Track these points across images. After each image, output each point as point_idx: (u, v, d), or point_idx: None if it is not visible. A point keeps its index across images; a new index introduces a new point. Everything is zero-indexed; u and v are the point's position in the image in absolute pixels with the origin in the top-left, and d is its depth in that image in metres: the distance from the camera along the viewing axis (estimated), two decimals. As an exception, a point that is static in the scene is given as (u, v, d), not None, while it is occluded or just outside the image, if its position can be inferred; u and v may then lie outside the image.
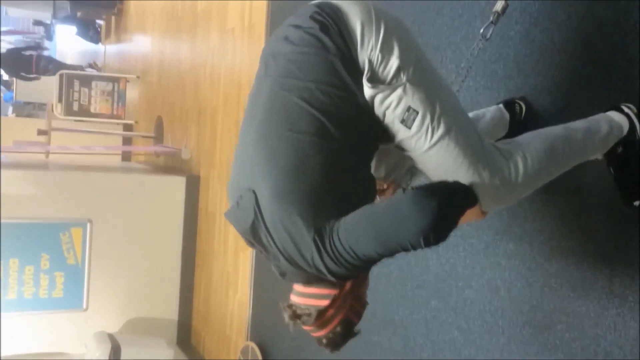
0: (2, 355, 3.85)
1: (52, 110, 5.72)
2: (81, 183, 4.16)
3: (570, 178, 1.65)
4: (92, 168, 4.91)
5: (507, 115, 1.81)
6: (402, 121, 1.28)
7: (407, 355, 2.30)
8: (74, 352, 4.05)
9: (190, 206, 4.47)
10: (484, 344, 1.96)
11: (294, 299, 1.33)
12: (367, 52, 1.26)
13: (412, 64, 1.27)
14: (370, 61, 1.26)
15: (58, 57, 12.73)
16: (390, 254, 1.21)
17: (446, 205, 1.16)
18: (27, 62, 8.50)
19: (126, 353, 3.67)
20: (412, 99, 1.27)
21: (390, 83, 1.26)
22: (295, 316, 1.30)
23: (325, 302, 1.28)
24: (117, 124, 6.65)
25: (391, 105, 1.27)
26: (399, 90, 1.26)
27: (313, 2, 1.35)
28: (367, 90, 1.27)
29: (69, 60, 12.37)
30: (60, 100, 6.02)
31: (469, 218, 1.32)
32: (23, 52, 8.92)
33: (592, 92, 1.65)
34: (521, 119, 1.82)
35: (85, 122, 6.20)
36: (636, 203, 1.54)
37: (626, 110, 1.56)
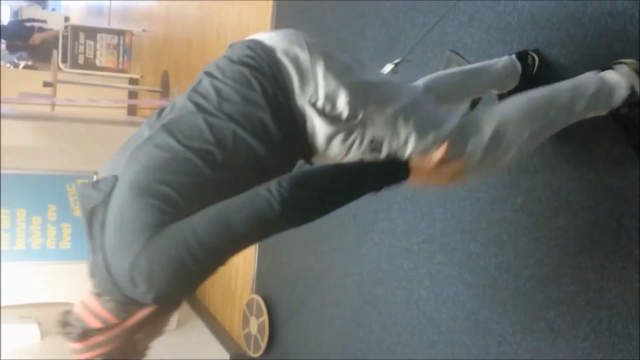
0: (10, 303, 3.91)
1: (57, 63, 5.67)
2: (87, 135, 4.16)
3: (581, 133, 1.64)
4: (98, 121, 4.90)
5: (519, 66, 1.77)
6: (372, 151, 1.27)
7: (410, 307, 2.32)
8: (82, 302, 4.11)
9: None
10: (488, 297, 1.97)
11: (76, 307, 1.19)
12: (307, 97, 1.22)
13: (364, 100, 1.24)
14: (314, 105, 1.22)
15: (63, 11, 12.55)
16: (236, 241, 1.10)
17: (307, 186, 1.11)
18: (28, 32, 8.33)
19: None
20: (374, 130, 1.25)
21: (347, 121, 1.23)
22: (63, 324, 1.16)
23: (97, 324, 1.14)
24: (123, 78, 6.60)
25: (355, 143, 1.26)
26: (358, 129, 1.25)
27: (245, 41, 1.31)
28: (326, 129, 1.23)
29: (74, 15, 12.22)
30: (65, 53, 5.98)
31: (426, 178, 1.28)
32: (25, 24, 8.78)
33: (607, 44, 1.62)
34: (533, 72, 1.78)
35: (90, 75, 6.16)
36: None
37: (620, 68, 1.51)
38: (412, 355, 2.32)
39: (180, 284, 1.09)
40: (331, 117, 1.22)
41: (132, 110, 7.15)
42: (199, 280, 1.13)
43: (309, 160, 1.32)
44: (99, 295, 1.16)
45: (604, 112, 1.53)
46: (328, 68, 1.22)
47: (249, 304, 3.68)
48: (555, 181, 1.76)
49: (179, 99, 1.27)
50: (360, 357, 2.63)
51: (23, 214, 3.85)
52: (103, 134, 4.28)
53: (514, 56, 1.79)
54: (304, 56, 1.23)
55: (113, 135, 4.31)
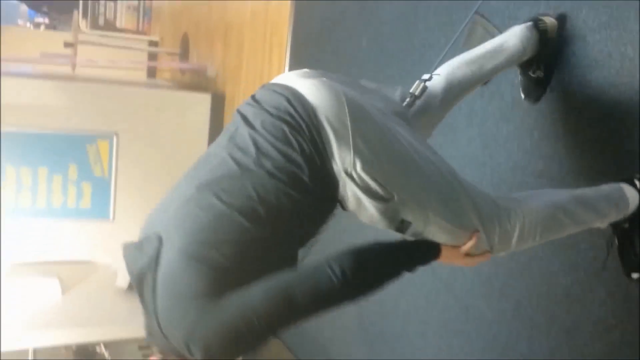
0: (32, 259, 3.99)
1: (78, 23, 5.67)
2: (108, 96, 4.18)
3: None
4: (117, 82, 4.91)
5: (535, 34, 1.73)
6: (397, 229, 1.28)
7: (426, 272, 2.32)
8: (102, 260, 4.19)
9: (215, 124, 4.48)
10: (504, 262, 1.97)
11: None
12: (343, 166, 1.19)
13: (399, 180, 1.24)
14: (350, 175, 1.20)
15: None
16: (297, 317, 1.16)
17: (360, 267, 1.17)
18: None
19: (151, 263, 3.77)
20: (404, 213, 1.25)
21: (378, 199, 1.22)
22: None
23: None
24: (143, 40, 6.59)
25: (383, 219, 1.26)
26: (391, 207, 1.24)
27: (283, 90, 1.25)
28: (354, 199, 1.23)
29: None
30: (85, 14, 5.97)
31: (454, 261, 1.37)
32: None
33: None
34: (554, 35, 1.74)
35: (110, 37, 6.15)
36: (634, 275, 1.57)
37: (639, 185, 1.56)
38: (427, 319, 2.34)
39: (236, 354, 1.15)
40: (364, 190, 1.22)
41: (151, 72, 7.16)
42: (254, 348, 1.17)
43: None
44: (164, 354, 1.22)
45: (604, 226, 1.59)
46: (366, 141, 1.20)
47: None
48: (578, 147, 1.74)
49: (216, 149, 1.28)
50: (377, 320, 2.66)
51: (44, 172, 3.90)
52: (123, 95, 4.30)
53: (529, 23, 1.74)
54: (344, 124, 1.20)
55: (132, 96, 4.33)
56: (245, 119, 1.26)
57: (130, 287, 3.71)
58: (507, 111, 1.97)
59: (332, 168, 1.20)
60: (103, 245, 4.16)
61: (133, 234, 4.14)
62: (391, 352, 2.56)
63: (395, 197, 1.23)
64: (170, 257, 1.14)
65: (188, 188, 1.23)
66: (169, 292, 1.13)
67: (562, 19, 1.74)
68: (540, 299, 1.85)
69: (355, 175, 1.20)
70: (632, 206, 1.55)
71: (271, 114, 1.21)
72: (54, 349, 6.14)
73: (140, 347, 5.13)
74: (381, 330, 2.61)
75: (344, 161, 1.19)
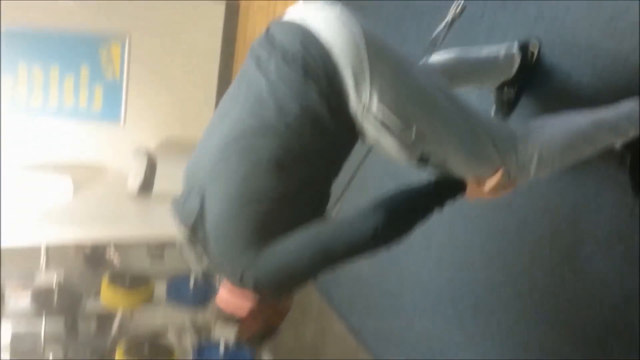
0: (44, 158, 4.03)
1: None
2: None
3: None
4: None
5: (518, 54, 1.81)
6: (418, 161, 1.31)
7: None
8: (112, 163, 4.23)
9: (228, 33, 4.40)
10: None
11: (222, 294, 1.39)
12: (360, 100, 1.21)
13: (416, 112, 1.25)
14: (368, 110, 1.22)
15: None
16: (335, 264, 1.28)
17: (392, 215, 1.24)
18: None
19: (162, 168, 3.81)
20: (423, 146, 1.28)
21: (397, 134, 1.25)
22: (221, 316, 1.39)
23: (243, 313, 1.36)
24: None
25: (403, 152, 1.29)
26: (410, 141, 1.26)
27: (297, 30, 1.24)
28: (373, 133, 1.26)
29: None
30: None
31: (480, 196, 1.42)
32: None
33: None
34: (532, 62, 1.82)
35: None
36: None
37: None
38: (433, 231, 2.37)
39: (284, 291, 1.37)
40: (384, 125, 1.23)
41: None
42: (296, 288, 1.36)
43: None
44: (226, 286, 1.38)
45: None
46: (384, 75, 1.21)
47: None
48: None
49: (238, 96, 1.31)
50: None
51: (56, 71, 3.88)
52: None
53: (515, 43, 1.82)
54: (360, 59, 1.20)
55: (146, 1, 4.23)
56: (259, 63, 1.27)
57: (140, 190, 3.77)
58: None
59: (350, 107, 1.22)
60: (114, 148, 4.19)
61: (143, 140, 4.19)
62: (395, 263, 2.61)
63: (414, 130, 1.25)
64: (213, 211, 1.28)
65: (218, 142, 1.29)
66: (218, 241, 1.29)
67: (540, 44, 1.82)
68: (546, 215, 1.86)
69: (373, 109, 1.22)
70: None
71: (286, 60, 1.22)
72: (65, 253, 6.33)
73: (150, 254, 5.27)
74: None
75: (361, 97, 1.21)
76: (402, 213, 1.28)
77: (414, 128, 1.25)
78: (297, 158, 1.24)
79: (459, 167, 1.35)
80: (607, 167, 1.66)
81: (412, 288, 2.50)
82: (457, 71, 1.72)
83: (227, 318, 1.37)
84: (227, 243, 1.29)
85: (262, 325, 1.39)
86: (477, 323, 2.15)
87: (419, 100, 1.27)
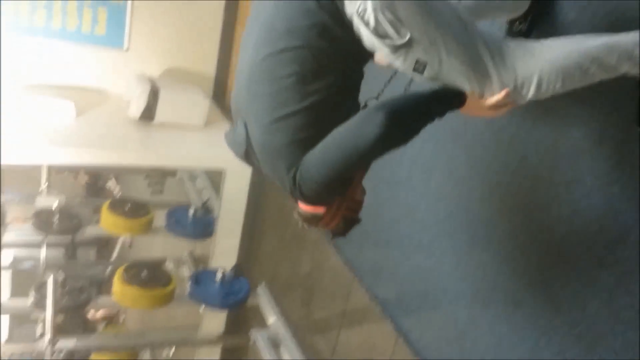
0: (47, 80, 4.01)
1: None
2: None
3: None
4: None
5: None
6: (414, 70, 1.32)
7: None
8: (114, 89, 4.20)
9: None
10: (518, 112, 1.97)
11: (300, 205, 1.53)
12: (355, 7, 1.25)
13: (411, 17, 1.25)
14: (361, 16, 1.25)
15: None
16: (358, 166, 1.40)
17: (395, 115, 1.27)
18: None
19: (164, 96, 3.78)
20: (418, 52, 1.29)
21: (392, 39, 1.26)
22: (304, 220, 1.53)
23: (321, 210, 1.49)
24: None
25: (399, 59, 1.31)
26: (405, 47, 1.27)
27: None
28: (369, 40, 1.30)
29: None
30: None
31: (480, 113, 1.43)
32: None
33: None
34: None
35: None
36: None
37: None
38: (433, 166, 2.38)
39: (334, 195, 1.47)
40: (376, 32, 1.26)
41: None
42: (341, 187, 1.46)
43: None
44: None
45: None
46: None
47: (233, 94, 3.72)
48: None
49: (259, 17, 1.41)
50: (383, 163, 2.70)
51: (60, -9, 3.81)
52: None
53: None
54: None
55: None
56: None
57: (142, 116, 3.76)
58: None
59: (347, 12, 1.28)
60: (117, 74, 4.15)
61: (146, 67, 4.14)
62: (393, 197, 2.63)
63: (408, 35, 1.26)
64: (255, 135, 1.44)
65: (246, 70, 1.43)
66: (266, 161, 1.46)
67: None
68: (547, 152, 1.86)
69: (366, 15, 1.25)
70: None
71: None
72: (66, 178, 6.35)
73: (149, 183, 5.30)
74: (385, 175, 2.66)
75: (355, 2, 1.25)
76: (407, 116, 1.31)
77: (408, 34, 1.27)
78: (316, 70, 1.33)
79: (456, 79, 1.35)
80: (616, 96, 1.63)
81: (410, 222, 2.53)
82: (469, 5, 1.69)
83: (309, 219, 1.52)
84: (273, 160, 1.43)
85: (342, 219, 1.52)
86: (472, 256, 2.18)
87: (414, 5, 1.27)
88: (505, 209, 2.04)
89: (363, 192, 1.59)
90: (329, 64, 1.34)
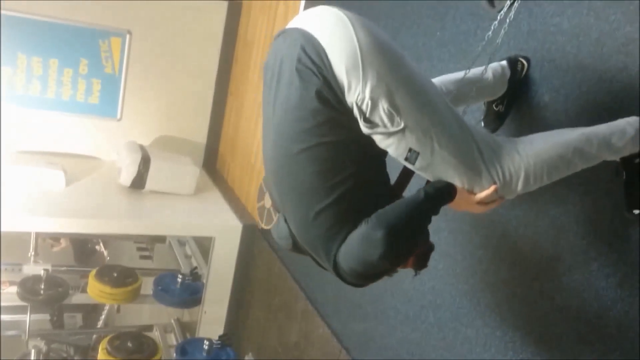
0: (38, 149, 4.05)
1: None
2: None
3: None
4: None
5: (508, 72, 1.85)
6: (406, 159, 1.36)
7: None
8: (106, 157, 4.25)
9: (229, 32, 4.44)
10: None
11: None
12: (354, 97, 1.27)
13: (406, 107, 1.29)
14: (359, 107, 1.28)
15: None
16: (379, 271, 1.42)
17: (391, 233, 1.29)
18: None
19: (155, 165, 3.83)
20: (411, 141, 1.33)
21: (386, 127, 1.30)
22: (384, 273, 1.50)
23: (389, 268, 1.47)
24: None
25: (392, 146, 1.34)
26: (398, 135, 1.31)
27: (298, 36, 1.32)
28: (364, 129, 1.31)
29: None
30: None
31: (468, 208, 1.46)
32: None
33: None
34: (521, 78, 1.87)
35: None
36: (636, 211, 1.56)
37: None
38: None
39: (370, 282, 1.48)
40: (372, 118, 1.30)
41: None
42: (377, 275, 1.46)
43: None
44: None
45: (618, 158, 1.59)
46: (376, 71, 1.27)
47: (266, 180, 3.78)
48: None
49: (268, 114, 1.42)
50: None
51: (55, 64, 3.91)
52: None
53: (504, 62, 1.86)
54: (355, 56, 1.26)
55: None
56: (271, 81, 1.39)
57: (133, 184, 3.79)
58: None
59: (347, 102, 1.30)
60: (109, 142, 4.22)
61: (138, 136, 4.21)
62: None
63: (402, 124, 1.30)
64: (295, 232, 1.47)
65: (271, 166, 1.46)
66: (313, 252, 1.47)
67: (528, 62, 1.87)
68: (527, 228, 1.90)
69: (364, 105, 1.28)
70: None
71: (289, 70, 1.32)
72: (54, 244, 6.31)
73: (138, 248, 5.28)
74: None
75: (355, 92, 1.27)
76: (401, 225, 1.33)
77: (402, 122, 1.30)
78: (335, 163, 1.34)
79: (447, 171, 1.38)
80: (597, 180, 1.68)
81: (396, 294, 2.53)
82: (453, 90, 1.75)
83: (391, 271, 1.48)
84: (316, 253, 1.46)
85: (415, 257, 1.48)
86: (457, 330, 2.18)
87: (409, 97, 1.30)
88: (488, 284, 2.06)
89: (427, 245, 1.57)
90: (346, 154, 1.35)
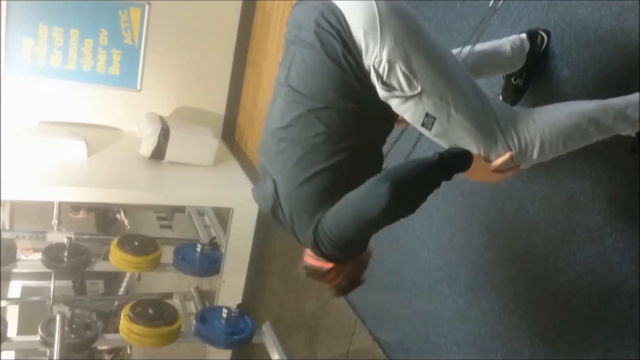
0: (60, 119, 4.11)
1: None
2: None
3: None
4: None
5: (527, 45, 1.83)
6: (423, 124, 1.37)
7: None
8: (127, 128, 4.30)
9: (248, 2, 4.42)
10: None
11: (307, 258, 1.57)
12: (372, 59, 1.29)
13: (423, 71, 1.30)
14: (376, 69, 1.29)
15: None
16: (369, 232, 1.42)
17: (399, 187, 1.27)
18: None
19: (174, 136, 3.87)
20: (428, 106, 1.34)
21: (403, 90, 1.31)
22: (308, 274, 1.58)
23: (328, 266, 1.52)
24: None
25: (408, 111, 1.35)
26: (415, 99, 1.32)
27: (314, 3, 1.36)
28: (381, 93, 1.33)
29: None
30: None
31: (484, 177, 1.46)
32: None
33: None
34: (540, 51, 1.84)
35: None
36: None
37: None
38: (434, 215, 2.42)
39: (348, 256, 1.49)
40: (389, 82, 1.31)
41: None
42: (357, 250, 1.52)
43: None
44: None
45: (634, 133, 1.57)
46: (394, 35, 1.28)
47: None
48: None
49: (280, 79, 1.45)
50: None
51: (76, 34, 3.93)
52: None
53: (524, 35, 1.84)
54: (373, 19, 1.28)
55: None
56: (288, 49, 1.43)
57: (152, 155, 3.84)
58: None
59: (364, 65, 1.31)
60: (129, 113, 4.25)
61: (157, 107, 4.22)
62: (396, 242, 2.67)
63: (419, 88, 1.31)
64: (285, 192, 1.47)
65: (273, 128, 1.48)
66: (292, 216, 1.48)
67: (548, 35, 1.85)
68: (543, 203, 1.90)
69: (381, 68, 1.29)
70: None
71: (308, 37, 1.35)
72: (77, 212, 6.42)
73: (158, 218, 5.37)
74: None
75: (372, 55, 1.29)
76: (407, 182, 1.31)
77: (419, 87, 1.31)
78: (342, 130, 1.37)
79: (463, 138, 1.38)
80: (613, 156, 1.68)
81: (412, 267, 2.56)
82: (469, 64, 1.73)
83: (313, 273, 1.55)
84: (300, 213, 1.46)
85: (346, 277, 1.55)
86: (471, 303, 2.21)
87: (427, 61, 1.31)
88: (503, 258, 2.07)
89: (369, 252, 1.60)
90: (354, 124, 1.37)
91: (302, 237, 1.50)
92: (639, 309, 1.60)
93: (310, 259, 1.55)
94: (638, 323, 1.60)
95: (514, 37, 1.86)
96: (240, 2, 4.41)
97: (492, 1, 1.72)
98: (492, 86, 2.09)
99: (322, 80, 1.34)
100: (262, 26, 4.35)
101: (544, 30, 1.86)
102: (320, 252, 1.46)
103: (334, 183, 1.39)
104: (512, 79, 1.94)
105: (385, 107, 1.39)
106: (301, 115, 1.38)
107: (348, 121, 1.36)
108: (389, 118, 1.46)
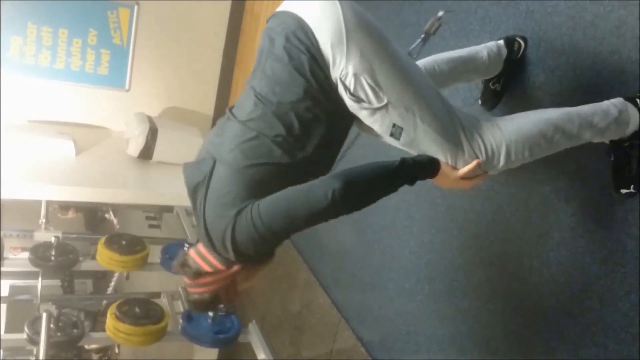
0: (48, 118, 4.12)
1: None
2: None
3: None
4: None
5: (504, 52, 1.89)
6: (391, 134, 1.40)
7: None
8: (115, 128, 4.32)
9: (236, 4, 4.46)
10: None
11: (191, 253, 1.47)
12: (339, 72, 1.33)
13: (389, 83, 1.34)
14: (343, 81, 1.34)
15: None
16: (299, 227, 1.34)
17: (349, 186, 1.26)
18: None
19: (163, 135, 3.90)
20: (395, 117, 1.37)
21: (370, 102, 1.35)
22: (182, 264, 1.47)
23: (208, 268, 1.44)
24: None
25: (377, 123, 1.39)
26: (382, 111, 1.36)
27: (284, 19, 1.40)
28: (350, 104, 1.37)
29: None
30: None
31: (452, 184, 1.47)
32: None
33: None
34: (517, 57, 1.90)
35: None
36: (624, 191, 1.59)
37: None
38: (414, 215, 2.47)
39: (255, 252, 1.39)
40: (356, 95, 1.36)
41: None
42: (271, 248, 1.44)
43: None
44: (209, 249, 1.44)
45: (607, 140, 1.62)
46: (360, 48, 1.33)
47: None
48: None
49: (252, 83, 1.45)
50: (369, 211, 2.79)
51: (65, 34, 3.95)
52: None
53: (501, 42, 1.90)
54: (340, 34, 1.33)
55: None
56: (260, 57, 1.45)
57: (140, 154, 3.86)
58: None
59: (332, 78, 1.36)
60: (117, 113, 4.28)
61: (146, 107, 4.24)
62: (378, 242, 2.71)
63: (385, 100, 1.36)
64: (220, 174, 1.39)
65: (236, 124, 1.43)
66: (214, 201, 1.38)
67: (525, 41, 1.90)
68: (520, 205, 1.95)
69: (347, 80, 1.34)
70: (633, 125, 1.57)
71: (278, 48, 1.39)
72: (64, 212, 6.42)
73: (147, 217, 5.38)
74: (371, 221, 2.75)
75: (339, 68, 1.34)
76: (360, 182, 1.31)
77: (385, 98, 1.36)
78: (300, 135, 1.38)
79: (431, 146, 1.41)
80: (587, 161, 1.73)
81: (394, 267, 2.60)
82: (446, 69, 1.79)
83: (187, 268, 1.46)
84: (222, 196, 1.37)
85: (211, 292, 1.47)
86: (450, 303, 2.25)
87: (392, 74, 1.35)
88: (482, 259, 2.12)
89: (268, 262, 1.53)
90: (314, 132, 1.38)
91: (209, 223, 1.39)
92: (609, 308, 1.65)
93: (195, 255, 1.46)
94: (608, 322, 1.65)
95: (491, 44, 1.91)
96: (229, 3, 4.45)
97: (441, 12, 1.76)
98: (471, 90, 2.14)
99: (289, 92, 1.37)
100: (251, 27, 4.38)
101: (521, 37, 1.91)
102: (225, 244, 1.37)
103: (277, 179, 1.37)
104: (490, 84, 1.98)
105: (345, 119, 1.43)
106: (265, 114, 1.38)
107: (309, 130, 1.38)
108: (346, 129, 1.50)
